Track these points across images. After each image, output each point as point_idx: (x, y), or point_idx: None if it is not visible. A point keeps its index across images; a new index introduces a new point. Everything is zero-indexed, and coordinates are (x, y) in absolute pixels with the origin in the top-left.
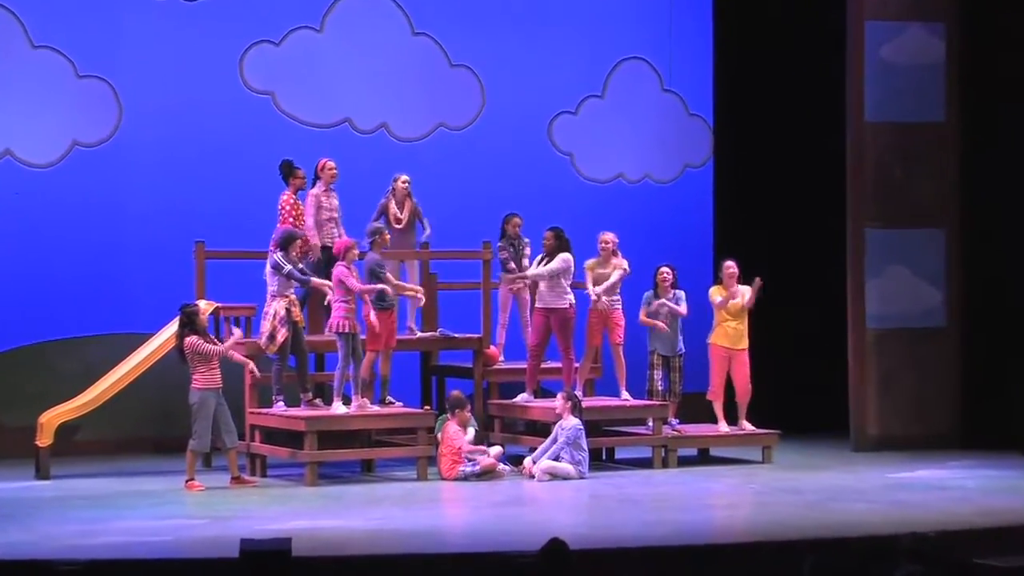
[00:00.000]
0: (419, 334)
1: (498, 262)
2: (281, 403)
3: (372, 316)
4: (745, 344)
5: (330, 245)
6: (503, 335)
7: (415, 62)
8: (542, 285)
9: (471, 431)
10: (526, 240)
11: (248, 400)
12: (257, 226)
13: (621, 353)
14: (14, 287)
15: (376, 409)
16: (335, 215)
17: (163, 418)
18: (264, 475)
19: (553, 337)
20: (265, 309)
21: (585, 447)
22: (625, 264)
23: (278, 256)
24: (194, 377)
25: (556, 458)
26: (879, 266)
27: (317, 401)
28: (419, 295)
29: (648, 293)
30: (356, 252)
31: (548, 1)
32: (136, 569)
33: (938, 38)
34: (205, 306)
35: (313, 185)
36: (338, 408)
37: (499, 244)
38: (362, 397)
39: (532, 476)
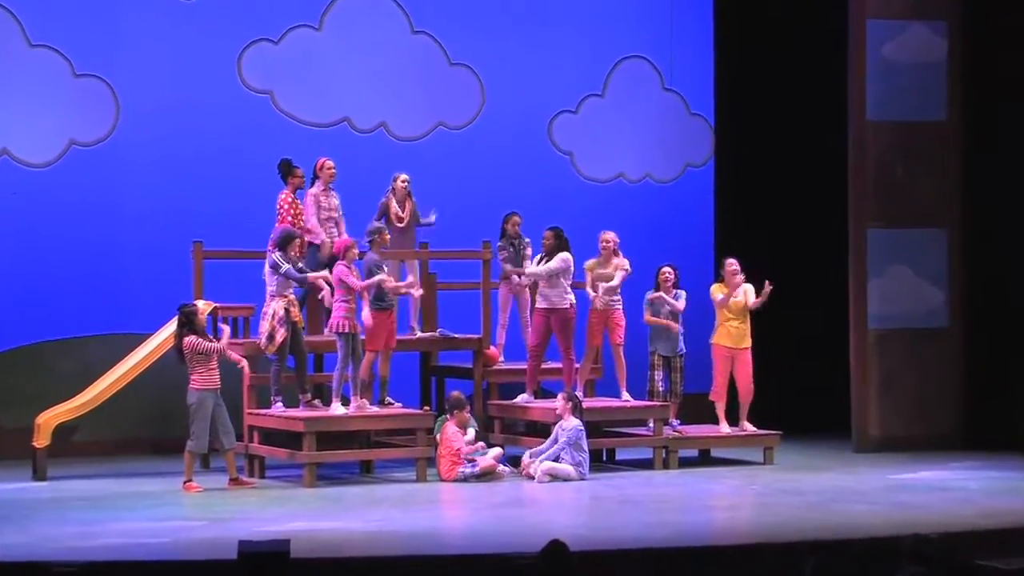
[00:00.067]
0: (420, 334)
1: (498, 262)
2: (280, 404)
3: (365, 312)
4: (748, 343)
5: (329, 245)
6: (503, 335)
7: (414, 61)
8: (542, 285)
9: (471, 431)
10: (527, 240)
11: (246, 401)
12: (256, 226)
13: (622, 354)
14: (11, 287)
15: (375, 410)
16: (334, 215)
17: (161, 419)
18: (262, 476)
19: (553, 337)
20: (264, 309)
21: (585, 448)
22: (626, 264)
23: (276, 255)
24: (192, 378)
25: (556, 459)
26: (881, 266)
27: (316, 402)
28: (413, 289)
29: (649, 292)
30: (356, 252)
31: None
32: (134, 571)
33: (940, 37)
34: (203, 306)
35: (312, 184)
36: (337, 409)
37: (499, 244)
38: (361, 398)
39: (532, 477)
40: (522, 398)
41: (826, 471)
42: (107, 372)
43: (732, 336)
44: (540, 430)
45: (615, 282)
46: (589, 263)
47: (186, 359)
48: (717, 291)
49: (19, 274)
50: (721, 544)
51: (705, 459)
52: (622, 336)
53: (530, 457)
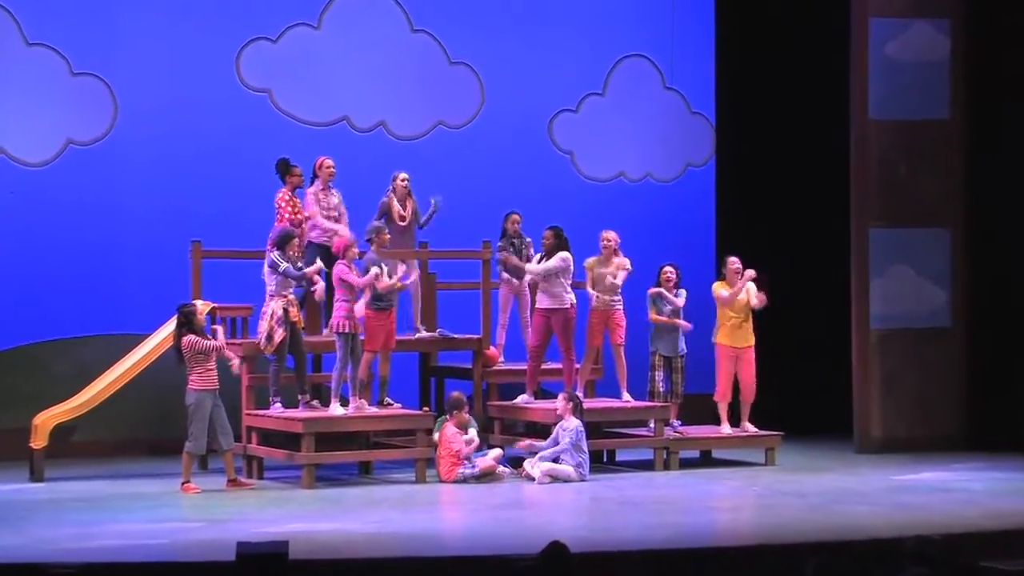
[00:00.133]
0: (420, 334)
1: (497, 262)
2: (278, 404)
3: (359, 306)
4: (751, 342)
5: (328, 244)
6: (503, 336)
7: (414, 60)
8: (543, 285)
9: (471, 432)
10: (528, 239)
11: (245, 401)
12: (254, 225)
13: (622, 354)
14: (8, 287)
15: (374, 410)
16: (334, 213)
17: (159, 420)
18: (261, 477)
19: (554, 338)
20: (263, 309)
21: (586, 449)
22: (627, 263)
23: (275, 255)
24: (190, 378)
25: (556, 460)
26: (883, 265)
27: (315, 403)
28: (409, 277)
29: (651, 288)
30: (356, 251)
31: None
32: (131, 572)
33: (943, 35)
34: (202, 306)
35: (311, 183)
36: (336, 409)
37: (499, 244)
38: (360, 398)
39: (532, 479)
40: (522, 399)
41: (828, 472)
42: (105, 372)
43: (735, 335)
44: (540, 431)
45: (618, 280)
46: (589, 261)
47: (185, 359)
48: (720, 288)
49: (16, 274)
50: (722, 545)
51: (706, 460)
52: (623, 336)
53: (531, 453)
